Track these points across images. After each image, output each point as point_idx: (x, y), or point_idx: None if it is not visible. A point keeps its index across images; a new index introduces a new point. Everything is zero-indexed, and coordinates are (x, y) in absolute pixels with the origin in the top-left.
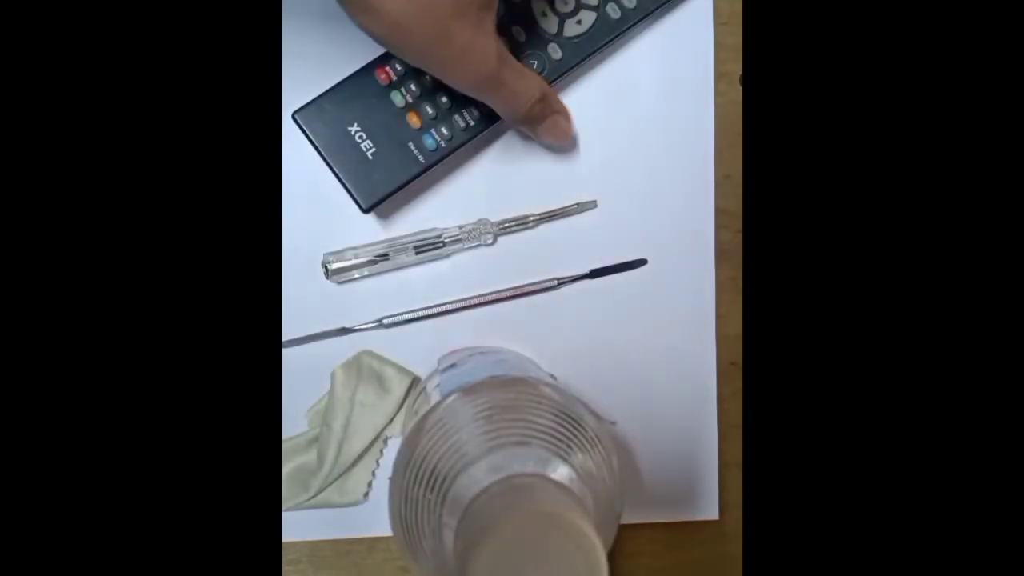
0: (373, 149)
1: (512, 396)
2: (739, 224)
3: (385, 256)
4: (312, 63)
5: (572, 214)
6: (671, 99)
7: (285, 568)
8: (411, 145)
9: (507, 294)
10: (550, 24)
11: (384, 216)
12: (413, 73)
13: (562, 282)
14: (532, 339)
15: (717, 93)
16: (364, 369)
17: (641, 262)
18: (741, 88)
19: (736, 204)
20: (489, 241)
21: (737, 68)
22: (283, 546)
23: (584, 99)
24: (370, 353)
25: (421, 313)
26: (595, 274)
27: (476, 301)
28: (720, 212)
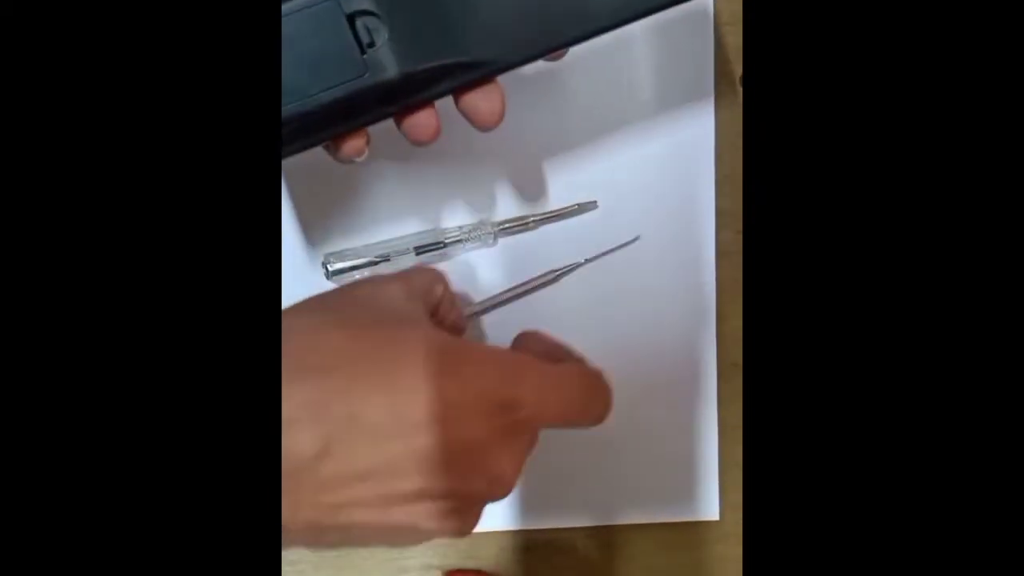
0: None
1: None
2: (739, 224)
3: (386, 257)
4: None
5: (572, 214)
6: (672, 99)
7: (285, 568)
8: None
9: (507, 295)
10: None
11: (384, 216)
12: None
13: (558, 274)
14: None
15: (717, 93)
16: None
17: (634, 240)
18: (741, 88)
19: (736, 204)
20: (490, 242)
21: (737, 68)
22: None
23: (584, 99)
24: None
25: None
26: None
27: (477, 304)
28: (720, 212)
